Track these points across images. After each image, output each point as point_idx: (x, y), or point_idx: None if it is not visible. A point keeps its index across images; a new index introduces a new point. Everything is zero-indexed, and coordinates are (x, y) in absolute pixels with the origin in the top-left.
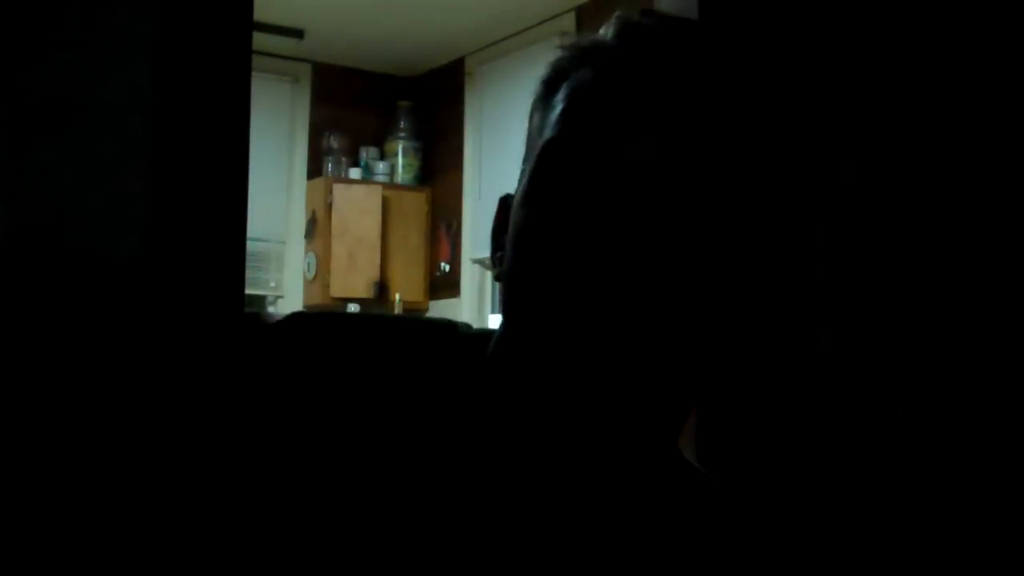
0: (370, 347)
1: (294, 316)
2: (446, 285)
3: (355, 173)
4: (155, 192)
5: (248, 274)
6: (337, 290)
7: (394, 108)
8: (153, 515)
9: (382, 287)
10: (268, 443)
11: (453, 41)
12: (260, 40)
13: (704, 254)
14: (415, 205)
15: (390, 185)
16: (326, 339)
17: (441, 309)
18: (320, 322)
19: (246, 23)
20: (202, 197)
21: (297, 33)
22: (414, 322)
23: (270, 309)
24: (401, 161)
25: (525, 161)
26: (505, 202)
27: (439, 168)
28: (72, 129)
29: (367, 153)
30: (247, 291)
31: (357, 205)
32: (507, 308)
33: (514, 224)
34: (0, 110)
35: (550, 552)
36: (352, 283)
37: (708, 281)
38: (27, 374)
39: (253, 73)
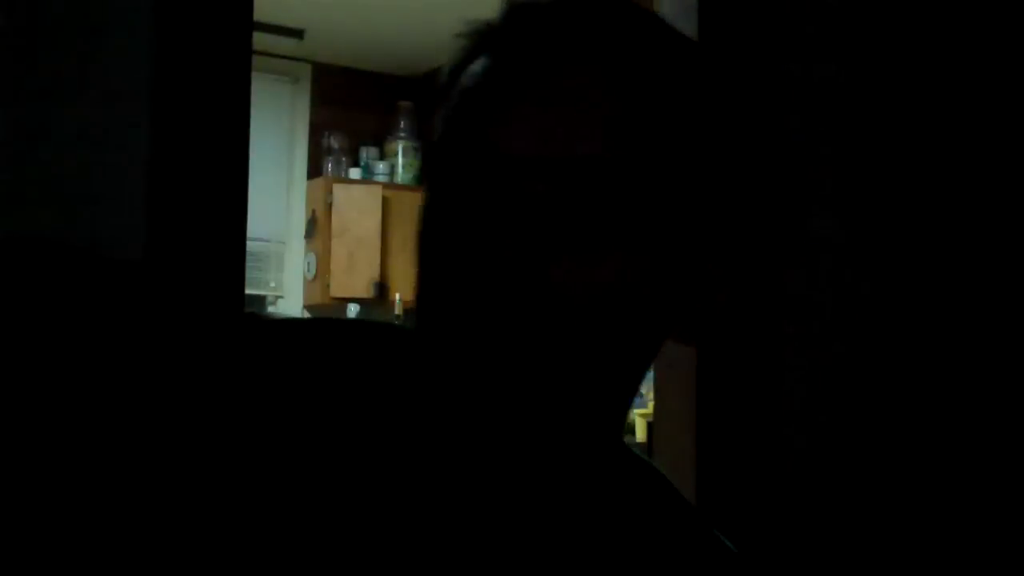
0: (319, 352)
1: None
2: None
3: (355, 173)
4: (156, 192)
5: (248, 274)
6: (337, 290)
7: (394, 108)
8: (146, 514)
9: (382, 287)
10: (241, 445)
11: (453, 41)
12: (260, 40)
13: (592, 253)
14: (415, 205)
15: (390, 185)
16: (277, 346)
17: None
18: (269, 329)
19: (246, 23)
20: (202, 197)
21: (297, 33)
22: (356, 325)
23: (270, 309)
24: (401, 161)
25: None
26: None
27: None
28: (72, 129)
29: (367, 153)
30: (247, 291)
31: (357, 205)
32: (416, 311)
33: (417, 227)
34: (1, 111)
35: (498, 547)
36: (352, 283)
37: (597, 278)
38: (26, 374)
39: (253, 73)
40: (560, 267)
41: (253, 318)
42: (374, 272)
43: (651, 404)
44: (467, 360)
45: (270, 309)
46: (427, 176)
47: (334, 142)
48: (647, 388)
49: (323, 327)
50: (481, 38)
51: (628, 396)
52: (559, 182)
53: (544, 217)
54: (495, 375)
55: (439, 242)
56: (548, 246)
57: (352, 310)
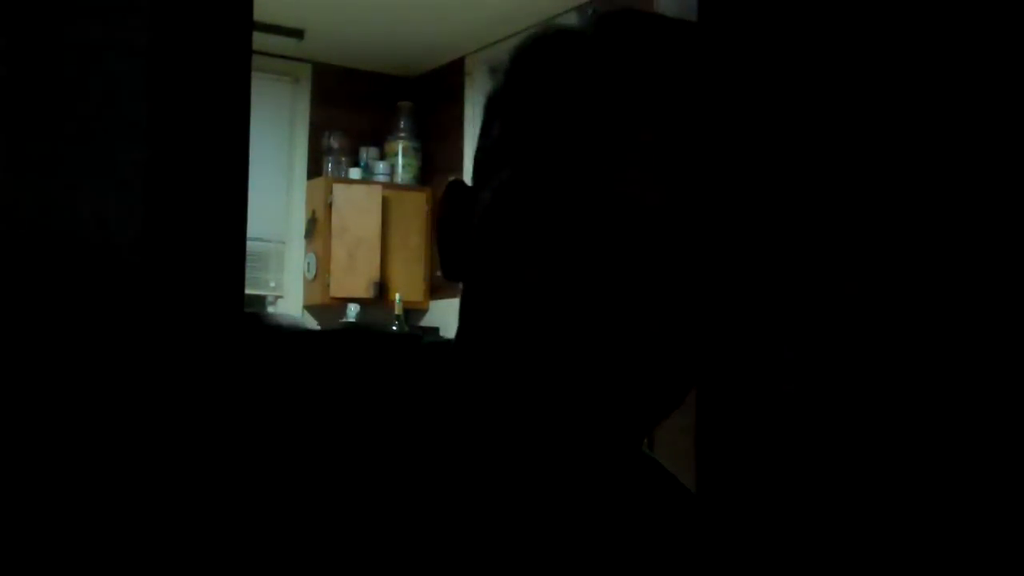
0: (336, 362)
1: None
2: (446, 285)
3: (355, 173)
4: (155, 192)
5: (248, 274)
6: (337, 290)
7: (394, 108)
8: (145, 513)
9: (382, 287)
10: (249, 450)
11: (453, 41)
12: (260, 40)
13: (685, 304)
14: (415, 205)
15: (390, 185)
16: (300, 355)
17: (442, 309)
18: (289, 338)
19: (246, 23)
20: (202, 197)
21: (297, 33)
22: (377, 336)
23: (270, 309)
24: (401, 161)
25: (492, 158)
26: (455, 189)
27: (439, 168)
28: (71, 129)
29: (367, 153)
30: (247, 291)
31: (357, 205)
32: (476, 315)
33: (489, 232)
34: (0, 111)
35: (519, 554)
36: (352, 283)
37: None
38: (24, 373)
39: (253, 73)
40: (659, 318)
41: (256, 320)
42: (374, 272)
43: None
44: (522, 379)
45: (270, 309)
46: (523, 204)
47: (334, 142)
48: None
49: (331, 336)
50: (565, 48)
51: (665, 415)
52: (679, 231)
53: (656, 268)
54: (549, 398)
55: (527, 269)
56: (654, 297)
57: (352, 310)
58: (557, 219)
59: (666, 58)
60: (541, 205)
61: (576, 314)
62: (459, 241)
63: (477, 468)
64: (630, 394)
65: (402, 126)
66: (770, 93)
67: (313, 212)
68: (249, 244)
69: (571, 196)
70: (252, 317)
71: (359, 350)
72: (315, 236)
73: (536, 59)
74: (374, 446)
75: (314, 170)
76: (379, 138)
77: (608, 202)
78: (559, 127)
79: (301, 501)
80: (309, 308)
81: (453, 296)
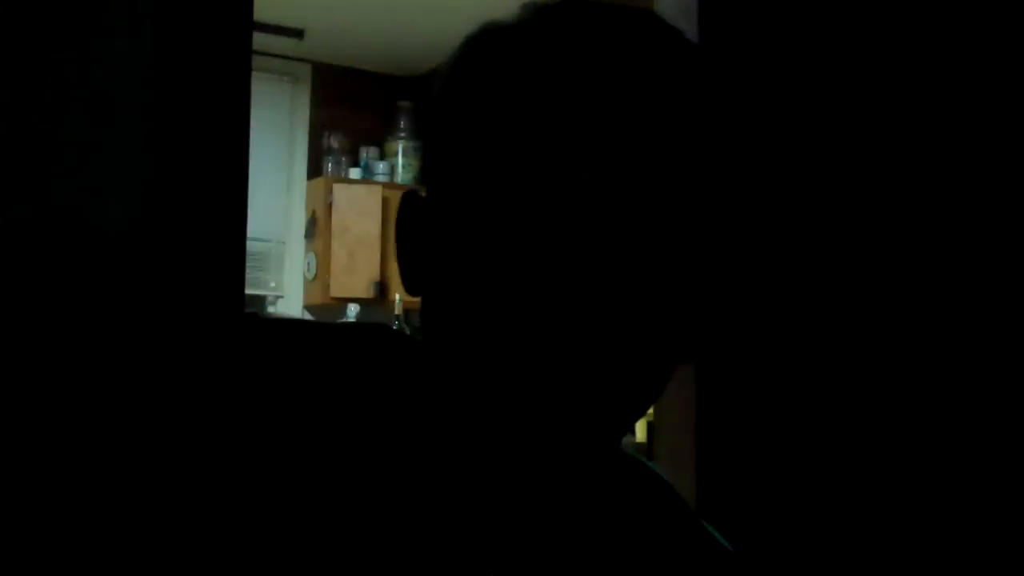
0: (325, 354)
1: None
2: None
3: (355, 173)
4: (154, 192)
5: (248, 274)
6: (337, 290)
7: (394, 108)
8: (142, 511)
9: (382, 287)
10: (242, 446)
11: (453, 41)
12: (260, 40)
13: (655, 294)
14: None
15: (390, 185)
16: (286, 346)
17: None
18: (277, 329)
19: (246, 23)
20: (202, 197)
21: (297, 33)
22: (369, 328)
23: (270, 309)
24: (401, 161)
25: (443, 165)
26: (409, 201)
27: None
28: (71, 129)
29: (367, 153)
30: (247, 291)
31: (357, 205)
32: (445, 325)
33: (451, 241)
34: (0, 111)
35: (496, 548)
36: (352, 283)
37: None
38: (23, 370)
39: (253, 73)
40: (632, 314)
41: (254, 318)
42: (374, 272)
43: None
44: (498, 373)
45: (270, 309)
46: (475, 209)
47: (334, 142)
48: None
49: (324, 329)
50: (507, 47)
51: (640, 414)
52: (636, 221)
53: (623, 264)
54: (523, 391)
55: (489, 264)
56: (627, 293)
57: (352, 310)
58: (519, 223)
59: (608, 48)
60: (502, 210)
61: (549, 313)
62: (419, 253)
63: (464, 467)
64: (610, 393)
65: (402, 126)
66: (734, 83)
67: (313, 212)
68: (249, 244)
69: (530, 197)
70: (252, 317)
71: (350, 343)
72: (315, 236)
73: (478, 60)
74: (364, 446)
75: (314, 170)
76: (379, 138)
77: (569, 200)
78: (509, 129)
79: (295, 500)
80: (309, 308)
81: None
